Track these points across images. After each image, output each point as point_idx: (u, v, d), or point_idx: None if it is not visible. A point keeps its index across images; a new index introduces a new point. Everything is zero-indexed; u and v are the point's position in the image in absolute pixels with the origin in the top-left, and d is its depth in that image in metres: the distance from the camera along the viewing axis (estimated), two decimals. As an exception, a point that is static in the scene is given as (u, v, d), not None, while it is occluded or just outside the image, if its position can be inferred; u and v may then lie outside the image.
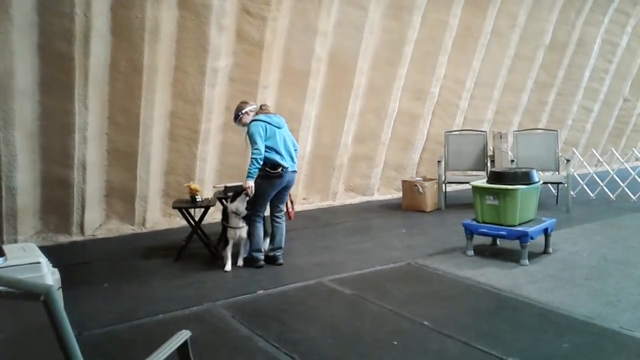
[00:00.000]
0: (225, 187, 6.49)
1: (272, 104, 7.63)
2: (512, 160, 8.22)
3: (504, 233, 5.58)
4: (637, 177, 8.53)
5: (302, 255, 6.00)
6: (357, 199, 9.20)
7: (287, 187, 5.65)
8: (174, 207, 6.02)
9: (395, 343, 3.72)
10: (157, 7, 6.32)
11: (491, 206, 5.61)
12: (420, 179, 8.54)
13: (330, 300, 4.63)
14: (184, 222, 6.18)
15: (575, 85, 10.83)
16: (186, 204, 5.88)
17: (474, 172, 8.69)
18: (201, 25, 6.64)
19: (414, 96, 8.92)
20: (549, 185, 8.79)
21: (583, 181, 9.11)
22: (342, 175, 8.89)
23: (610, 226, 7.08)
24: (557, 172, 8.38)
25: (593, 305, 4.32)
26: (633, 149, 9.70)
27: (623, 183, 8.64)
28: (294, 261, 5.78)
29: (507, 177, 5.62)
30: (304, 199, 8.75)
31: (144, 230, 7.20)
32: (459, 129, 9.37)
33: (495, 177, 5.71)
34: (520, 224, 5.54)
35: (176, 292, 4.88)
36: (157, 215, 7.37)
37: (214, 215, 7.25)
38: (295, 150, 5.67)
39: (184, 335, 2.34)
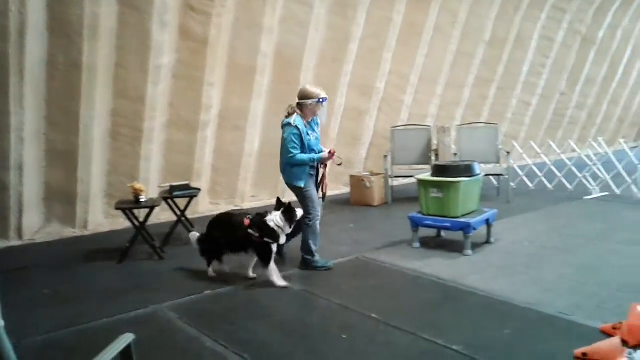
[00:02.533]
0: (171, 186, 6.40)
1: (218, 102, 7.57)
2: (455, 154, 8.43)
3: (448, 225, 5.73)
4: (573, 167, 8.90)
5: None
6: (306, 195, 9.20)
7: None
8: (116, 208, 5.87)
9: (344, 337, 3.76)
10: (96, 3, 6.12)
11: (435, 199, 5.73)
12: (367, 174, 8.64)
13: (280, 298, 4.63)
14: (128, 224, 6.03)
15: (514, 80, 11.20)
16: (130, 205, 5.74)
17: (420, 166, 8.85)
18: (143, 21, 6.49)
19: (360, 92, 9.00)
20: (491, 177, 9.05)
21: (523, 172, 9.43)
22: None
23: (548, 215, 7.38)
24: (498, 165, 8.65)
25: (533, 292, 4.50)
26: (569, 140, 10.11)
27: (560, 173, 8.99)
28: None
29: (450, 170, 5.76)
30: (252, 196, 8.70)
31: (86, 233, 6.99)
32: (405, 124, 9.53)
33: (438, 170, 5.84)
34: (463, 216, 5.69)
35: (120, 296, 4.76)
36: (99, 217, 7.17)
37: (160, 215, 7.12)
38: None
39: (126, 338, 2.29)
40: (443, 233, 6.25)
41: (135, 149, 7.02)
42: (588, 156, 9.02)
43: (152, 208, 5.80)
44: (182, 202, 6.42)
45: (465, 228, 5.59)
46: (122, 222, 6.92)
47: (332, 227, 7.13)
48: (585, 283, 4.66)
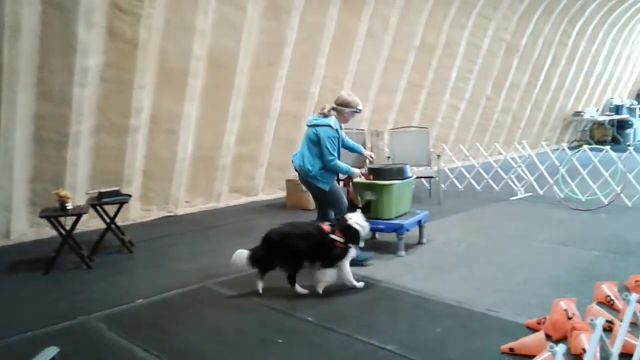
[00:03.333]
0: (100, 192, 6.18)
1: (149, 105, 7.39)
2: (389, 157, 8.60)
3: (381, 226, 5.84)
4: (499, 169, 9.28)
5: (186, 260, 5.85)
6: (242, 200, 9.13)
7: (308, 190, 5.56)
8: (41, 216, 5.61)
9: (280, 341, 3.75)
10: (17, 3, 5.83)
11: (371, 202, 5.82)
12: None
13: (214, 304, 4.57)
14: (54, 232, 5.78)
15: (443, 85, 11.56)
16: (55, 213, 5.50)
17: (355, 169, 8.97)
18: (68, 21, 6.23)
19: (295, 96, 9.02)
20: (423, 179, 9.31)
21: (452, 175, 9.74)
22: (226, 176, 8.79)
23: (476, 216, 7.67)
24: (429, 167, 8.90)
25: (462, 290, 4.66)
26: (495, 143, 10.53)
27: (487, 175, 9.36)
28: (177, 266, 5.63)
29: (383, 173, 5.87)
30: (186, 202, 8.53)
31: (9, 243, 6.62)
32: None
33: (372, 173, 5.93)
34: (396, 217, 5.82)
35: (46, 307, 4.56)
36: (23, 226, 6.81)
37: (89, 223, 6.87)
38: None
39: (51, 351, 2.20)
40: (377, 235, 6.36)
41: (60, 154, 6.72)
42: (513, 158, 9.43)
43: (79, 216, 5.58)
44: (112, 209, 6.20)
45: (398, 229, 5.71)
46: (47, 231, 6.62)
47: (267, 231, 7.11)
48: (511, 280, 4.87)
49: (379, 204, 5.76)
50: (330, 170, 5.28)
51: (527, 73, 13.57)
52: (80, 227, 6.82)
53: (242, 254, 4.73)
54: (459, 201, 8.70)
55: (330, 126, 5.19)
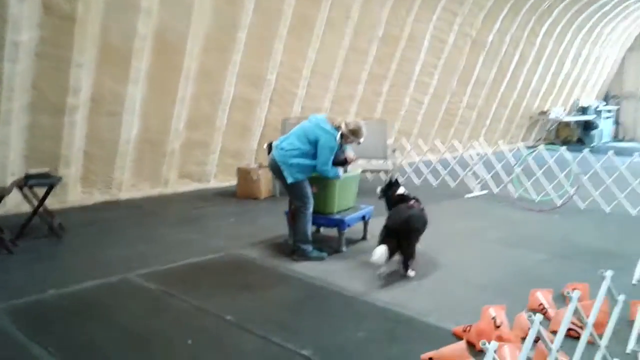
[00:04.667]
0: (27, 174, 5.82)
1: (89, 84, 7.01)
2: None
3: (322, 221, 5.63)
4: (456, 166, 9.14)
5: (115, 248, 5.54)
6: (192, 186, 8.82)
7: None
8: (-43, 198, 5.24)
9: (190, 342, 3.50)
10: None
11: (313, 195, 5.58)
12: (256, 166, 8.40)
13: (132, 298, 4.29)
14: (-27, 215, 5.43)
15: (407, 78, 11.36)
16: (-30, 194, 5.14)
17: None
18: (-2, -8, 5.84)
19: (249, 82, 8.72)
20: (381, 173, 9.13)
21: (410, 169, 9.58)
22: (175, 161, 8.46)
23: (429, 213, 7.42)
24: (386, 161, 8.70)
25: (396, 291, 4.46)
26: (454, 141, 10.37)
27: (444, 171, 9.21)
28: (102, 255, 5.33)
29: (327, 166, 5.63)
30: (132, 185, 8.19)
31: None
32: (297, 116, 9.36)
33: (315, 166, 5.69)
34: (338, 212, 5.60)
35: (-52, 297, 4.22)
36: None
37: (22, 206, 6.46)
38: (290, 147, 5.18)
39: None
40: (322, 229, 6.14)
41: (-11, 132, 6.34)
42: (470, 156, 9.29)
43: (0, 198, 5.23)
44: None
45: (340, 225, 5.50)
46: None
47: (212, 220, 6.86)
48: (449, 282, 4.69)
49: (320, 198, 5.52)
50: (312, 167, 5.18)
51: (493, 70, 13.47)
52: (12, 210, 6.53)
53: (383, 250, 4.56)
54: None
55: (335, 137, 5.15)
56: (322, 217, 5.55)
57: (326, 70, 9.73)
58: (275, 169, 5.26)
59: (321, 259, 5.24)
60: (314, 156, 5.15)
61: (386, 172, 8.65)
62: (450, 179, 9.15)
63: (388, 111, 11.45)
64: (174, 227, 6.52)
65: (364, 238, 5.97)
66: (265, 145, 5.34)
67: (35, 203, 5.77)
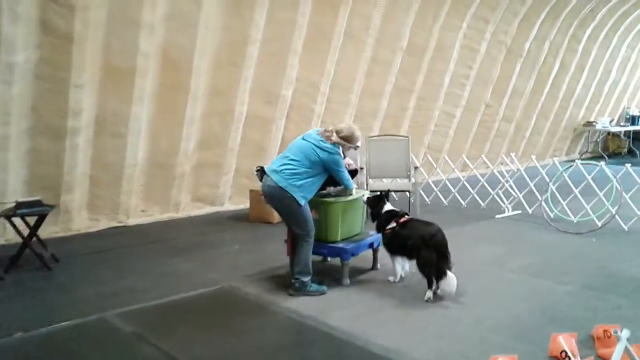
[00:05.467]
0: (17, 202, 5.56)
1: (92, 105, 6.76)
2: (361, 168, 7.83)
3: (324, 251, 5.12)
4: (485, 184, 8.46)
5: (103, 282, 5.18)
6: (205, 210, 8.46)
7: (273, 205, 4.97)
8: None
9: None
10: None
11: (314, 221, 5.09)
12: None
13: (100, 344, 3.88)
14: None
15: (435, 90, 10.75)
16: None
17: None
18: (-10, 13, 5.64)
19: (264, 99, 8.33)
20: (407, 192, 8.55)
21: (437, 188, 8.96)
22: (186, 184, 8.13)
23: (452, 236, 6.71)
24: (409, 180, 8.12)
25: (396, 333, 3.92)
26: (482, 156, 9.66)
27: (473, 190, 8.55)
28: (87, 290, 4.96)
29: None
30: (142, 210, 7.89)
31: None
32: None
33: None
34: (343, 240, 5.08)
35: None
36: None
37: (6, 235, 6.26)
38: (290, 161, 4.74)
39: None
40: (329, 258, 5.63)
41: (-13, 158, 6.14)
42: (500, 172, 8.58)
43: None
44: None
45: (342, 254, 4.98)
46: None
47: (215, 248, 6.45)
48: (460, 322, 4.10)
49: (322, 225, 5.03)
50: (316, 186, 4.80)
51: (532, 79, 12.66)
52: (12, 239, 6.28)
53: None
54: (439, 218, 7.75)
55: (338, 153, 4.85)
56: (324, 245, 5.05)
57: (346, 84, 9.25)
58: (276, 195, 4.72)
59: (321, 293, 4.74)
60: (317, 176, 4.74)
61: (408, 192, 8.05)
62: (480, 198, 8.47)
63: (416, 126, 10.85)
64: (175, 255, 6.13)
65: (373, 268, 5.43)
66: (255, 170, 4.86)
67: (21, 234, 5.50)
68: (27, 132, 6.44)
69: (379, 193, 5.15)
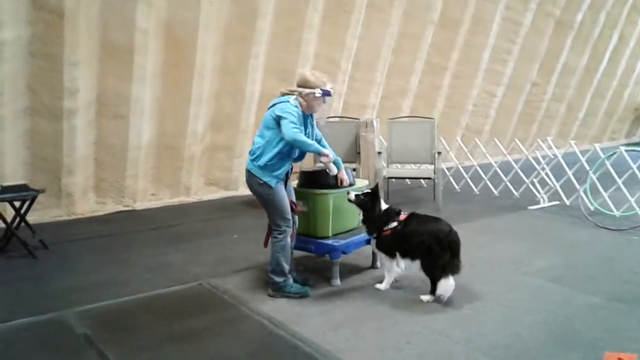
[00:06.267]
0: (2, 186, 5.33)
1: (90, 84, 6.47)
2: (380, 152, 7.24)
3: (312, 247, 4.60)
4: (519, 171, 7.68)
5: (78, 273, 4.88)
6: (219, 194, 8.13)
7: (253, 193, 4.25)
8: None
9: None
10: None
11: (303, 214, 4.60)
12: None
13: (43, 348, 3.53)
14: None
15: (473, 67, 9.94)
16: None
17: (345, 164, 7.69)
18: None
19: (278, 77, 7.83)
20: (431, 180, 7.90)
21: (467, 174, 8.25)
22: (198, 167, 7.79)
23: (474, 230, 6.15)
24: (432, 166, 7.47)
25: (374, 350, 3.38)
26: (515, 139, 8.81)
27: (506, 177, 7.80)
28: (58, 282, 4.66)
29: (320, 179, 4.60)
30: (152, 194, 7.63)
31: None
32: (337, 115, 8.37)
33: (305, 178, 4.69)
34: (335, 235, 4.56)
35: None
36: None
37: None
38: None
39: None
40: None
41: (-19, 140, 5.97)
42: (536, 158, 7.77)
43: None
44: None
45: (331, 252, 4.45)
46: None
47: (213, 237, 6.07)
48: (447, 339, 3.51)
49: (311, 217, 4.53)
50: (283, 158, 4.04)
51: (585, 55, 11.61)
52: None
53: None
54: (466, 208, 7.24)
55: (288, 102, 3.99)
56: (312, 241, 4.54)
57: (370, 61, 8.63)
58: (248, 181, 4.19)
59: (302, 295, 4.24)
60: (279, 147, 4.01)
61: (429, 179, 7.40)
62: (515, 187, 7.70)
63: (452, 106, 10.12)
64: (170, 244, 5.78)
65: (373, 266, 4.89)
66: None
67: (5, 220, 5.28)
68: (24, 112, 6.24)
69: (370, 190, 4.41)
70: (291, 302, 4.13)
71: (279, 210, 4.13)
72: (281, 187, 4.16)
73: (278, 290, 4.24)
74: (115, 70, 6.51)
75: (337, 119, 7.98)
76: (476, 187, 8.12)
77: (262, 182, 4.08)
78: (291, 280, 4.29)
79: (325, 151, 4.10)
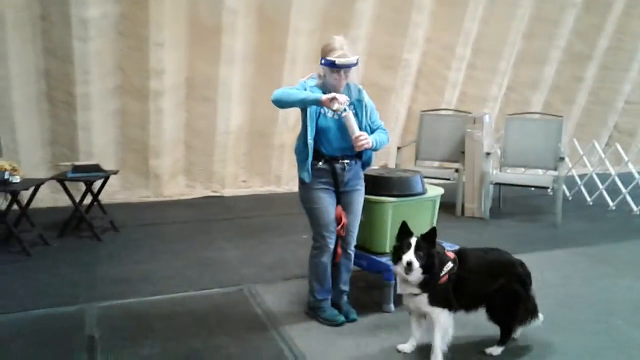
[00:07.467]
0: (74, 165, 5.31)
1: (178, 65, 6.30)
2: (488, 153, 6.20)
3: (364, 263, 3.90)
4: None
5: (125, 263, 4.66)
6: (313, 186, 7.62)
7: None
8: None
9: None
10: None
11: (361, 224, 3.90)
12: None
13: (47, 344, 3.27)
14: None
15: (627, 57, 8.30)
16: (-10, 187, 4.73)
17: (450, 164, 6.79)
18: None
19: (381, 64, 7.10)
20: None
21: (603, 185, 6.87)
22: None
23: (587, 258, 4.96)
24: (554, 172, 6.28)
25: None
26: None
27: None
28: (105, 271, 4.47)
29: (378, 185, 3.88)
30: (243, 181, 7.37)
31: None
32: (445, 107, 7.43)
33: (367, 182, 3.97)
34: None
35: None
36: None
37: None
38: None
39: None
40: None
41: (70, 117, 6.05)
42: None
43: (13, 195, 4.71)
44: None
45: (385, 271, 3.72)
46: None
47: (282, 235, 5.60)
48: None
49: (367, 229, 3.83)
50: (307, 145, 3.36)
51: None
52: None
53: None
54: (591, 227, 5.99)
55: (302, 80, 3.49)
56: (366, 256, 3.85)
57: (493, 47, 7.50)
58: None
59: (334, 323, 3.54)
60: (303, 127, 3.43)
61: (548, 188, 6.22)
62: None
63: (597, 102, 8.61)
64: (234, 238, 5.40)
65: (382, 309, 3.97)
66: None
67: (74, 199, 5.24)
68: (114, 92, 6.23)
69: (403, 229, 3.07)
70: (320, 329, 3.48)
71: (314, 219, 3.50)
72: (322, 192, 3.50)
73: (312, 310, 3.63)
74: (203, 52, 6.26)
75: (448, 112, 7.06)
76: (612, 201, 6.72)
77: (300, 180, 3.49)
78: (327, 303, 3.62)
79: (328, 95, 3.19)
